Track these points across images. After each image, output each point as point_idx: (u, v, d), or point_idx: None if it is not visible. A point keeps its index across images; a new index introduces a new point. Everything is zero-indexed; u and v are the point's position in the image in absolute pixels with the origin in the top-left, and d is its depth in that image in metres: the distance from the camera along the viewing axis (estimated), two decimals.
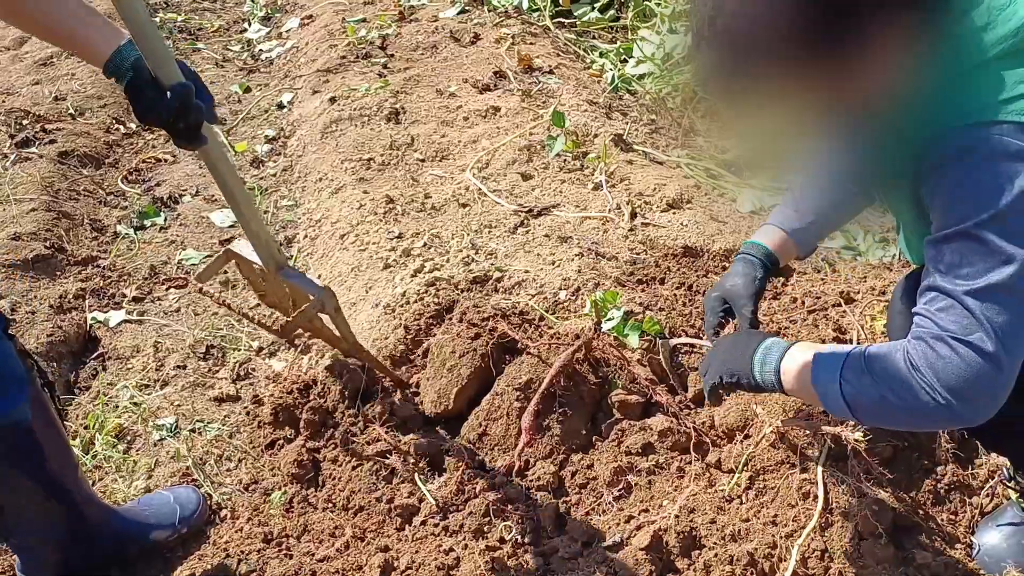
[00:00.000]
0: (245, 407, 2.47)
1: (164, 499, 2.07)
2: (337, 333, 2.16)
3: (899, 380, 1.30)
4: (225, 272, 2.97)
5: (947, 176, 1.24)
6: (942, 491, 1.86)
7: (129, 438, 2.37)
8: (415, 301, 2.51)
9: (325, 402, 2.22)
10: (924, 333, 1.29)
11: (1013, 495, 1.80)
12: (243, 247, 2.12)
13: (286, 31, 5.19)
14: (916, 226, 1.43)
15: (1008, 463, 1.84)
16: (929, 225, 1.32)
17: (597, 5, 4.58)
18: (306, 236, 3.19)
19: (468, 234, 2.84)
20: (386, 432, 2.14)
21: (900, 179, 1.37)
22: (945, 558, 1.75)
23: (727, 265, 2.65)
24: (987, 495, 1.88)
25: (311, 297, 2.02)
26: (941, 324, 1.26)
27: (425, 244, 2.81)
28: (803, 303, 2.49)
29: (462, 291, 2.55)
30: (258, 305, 2.54)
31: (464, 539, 1.90)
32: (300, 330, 2.27)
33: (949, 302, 1.25)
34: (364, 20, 4.78)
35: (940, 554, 1.76)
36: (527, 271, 2.62)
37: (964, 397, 1.25)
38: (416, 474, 2.03)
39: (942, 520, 1.82)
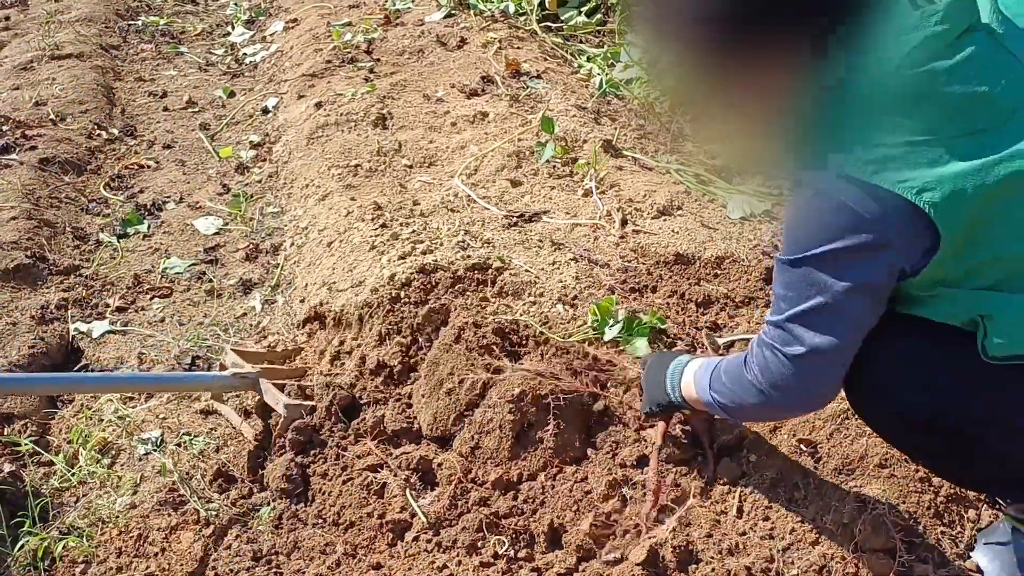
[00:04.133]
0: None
1: None
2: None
3: (740, 381, 1.55)
4: None
5: (796, 202, 1.38)
6: (940, 504, 1.85)
7: (113, 452, 2.32)
8: (403, 286, 2.43)
9: (312, 419, 2.19)
10: (759, 336, 1.50)
11: (1008, 515, 1.78)
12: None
13: (270, 35, 5.15)
14: None
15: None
16: None
17: (584, 9, 4.56)
18: (292, 244, 3.15)
19: (461, 227, 2.79)
20: (377, 446, 2.10)
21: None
22: (944, 571, 1.73)
23: (719, 273, 2.64)
24: (983, 509, 1.86)
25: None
26: (768, 332, 1.46)
27: (414, 231, 2.75)
28: None
29: (458, 279, 2.48)
30: None
31: (457, 555, 1.87)
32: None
33: (776, 319, 1.43)
34: (349, 24, 4.74)
35: (940, 567, 1.74)
36: (528, 269, 2.56)
37: (781, 393, 1.48)
38: (408, 489, 2.00)
39: (940, 533, 1.80)
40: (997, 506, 1.82)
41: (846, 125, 1.27)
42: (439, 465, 2.06)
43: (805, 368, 1.43)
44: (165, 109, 4.34)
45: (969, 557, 1.80)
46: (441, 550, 1.89)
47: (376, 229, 2.79)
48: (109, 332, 2.75)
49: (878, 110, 1.24)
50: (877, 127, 1.24)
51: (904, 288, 1.38)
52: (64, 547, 2.03)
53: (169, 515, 2.12)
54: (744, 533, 1.79)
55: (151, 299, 2.92)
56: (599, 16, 4.54)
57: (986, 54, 1.25)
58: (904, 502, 1.83)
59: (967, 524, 1.85)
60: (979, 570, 1.77)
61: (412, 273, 2.46)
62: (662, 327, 2.33)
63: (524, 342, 2.29)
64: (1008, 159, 1.22)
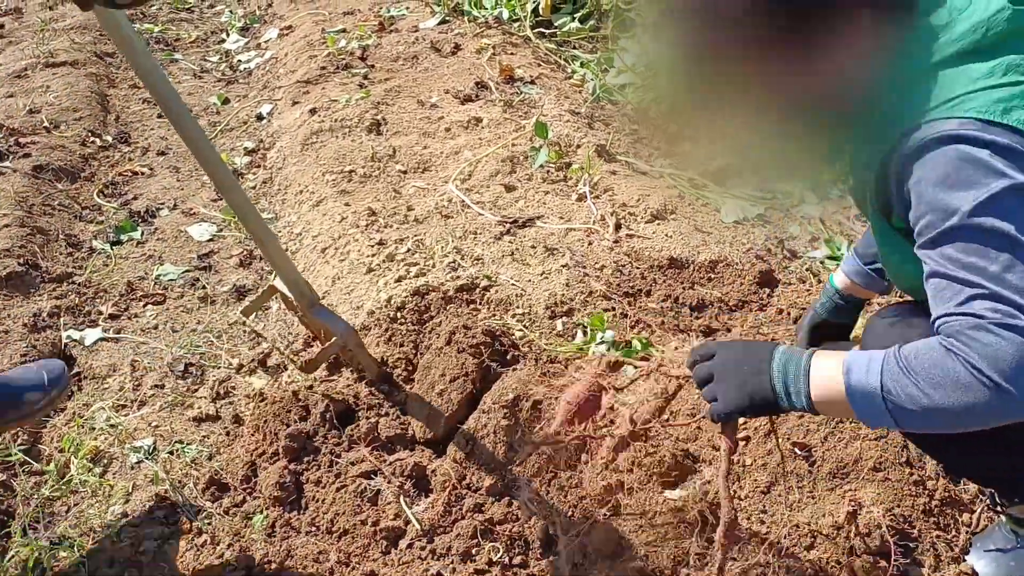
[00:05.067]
0: (225, 427, 2.41)
1: (28, 368, 2.22)
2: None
3: (947, 377, 1.22)
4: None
5: (915, 169, 1.24)
6: (934, 507, 1.84)
7: (105, 461, 2.30)
8: (399, 309, 2.47)
9: (306, 425, 2.18)
10: (961, 326, 1.22)
11: (1004, 518, 1.78)
12: (282, 283, 2.27)
13: (265, 42, 5.14)
14: (882, 230, 1.46)
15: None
16: (895, 227, 1.37)
17: (577, 15, 4.57)
18: (287, 250, 3.14)
19: (453, 240, 2.80)
20: (371, 452, 2.09)
21: (867, 177, 1.38)
22: (939, 575, 1.73)
23: (712, 277, 2.64)
24: (978, 512, 1.86)
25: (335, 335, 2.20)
26: (975, 314, 1.20)
27: (409, 250, 2.77)
28: (788, 314, 2.47)
29: (449, 299, 2.51)
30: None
31: (452, 562, 1.86)
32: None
33: (974, 292, 1.20)
34: (344, 31, 4.74)
35: (934, 570, 1.74)
36: (515, 282, 2.58)
37: (1015, 379, 1.18)
38: (402, 496, 1.99)
39: (935, 537, 1.80)
40: (997, 508, 1.81)
41: (945, 77, 1.22)
42: (433, 471, 2.05)
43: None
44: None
45: (964, 560, 1.79)
46: (435, 557, 1.88)
47: (372, 247, 2.80)
48: (102, 339, 2.73)
49: (985, 54, 1.22)
50: (984, 71, 1.21)
51: None
52: (55, 557, 2.02)
53: (162, 524, 2.11)
54: (735, 540, 1.78)
55: (144, 306, 2.90)
56: (592, 22, 4.54)
57: None
58: (899, 505, 1.83)
59: (961, 528, 1.85)
60: (974, 574, 1.76)
61: (407, 296, 2.51)
62: (645, 354, 2.29)
63: (516, 348, 2.28)
64: None
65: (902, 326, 1.60)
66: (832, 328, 2.10)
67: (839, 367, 1.33)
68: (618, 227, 2.90)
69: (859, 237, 2.84)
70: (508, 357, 2.25)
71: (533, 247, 2.79)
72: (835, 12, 1.17)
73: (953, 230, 1.21)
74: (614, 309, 2.47)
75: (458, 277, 2.59)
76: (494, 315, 2.45)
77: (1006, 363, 1.17)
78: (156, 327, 2.80)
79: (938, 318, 1.26)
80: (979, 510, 1.86)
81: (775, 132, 1.31)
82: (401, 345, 2.37)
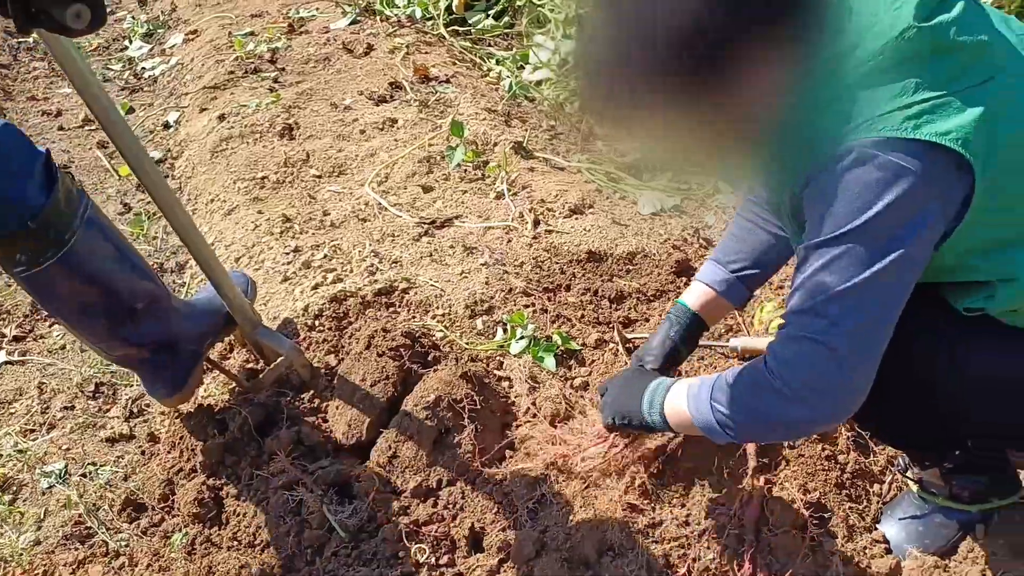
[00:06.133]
0: (140, 446, 2.34)
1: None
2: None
3: (758, 385, 1.40)
4: None
5: (818, 187, 1.29)
6: (847, 480, 1.89)
7: (15, 488, 2.21)
8: (316, 316, 2.43)
9: (224, 439, 2.13)
10: (783, 334, 1.37)
11: (913, 486, 1.84)
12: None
13: (170, 47, 5.00)
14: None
15: (904, 455, 1.90)
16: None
17: (491, 12, 4.56)
18: None
19: (370, 243, 2.77)
20: (292, 462, 2.05)
21: (781, 198, 1.42)
22: (853, 544, 1.78)
23: (631, 269, 2.66)
24: (888, 482, 1.92)
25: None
26: (800, 325, 1.33)
27: (325, 255, 2.73)
28: None
29: (368, 304, 2.47)
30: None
31: (378, 567, 1.84)
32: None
33: (809, 305, 1.32)
34: (252, 33, 4.65)
35: (848, 540, 1.79)
36: (435, 283, 2.56)
37: (815, 394, 1.34)
38: (325, 504, 1.96)
39: (848, 508, 1.85)
40: (907, 475, 1.87)
41: (855, 99, 1.25)
42: (357, 477, 2.02)
43: (850, 354, 1.31)
44: (60, 128, 4.18)
45: (876, 529, 1.85)
46: (361, 563, 1.86)
47: (288, 255, 2.75)
48: (7, 363, 2.62)
49: (893, 73, 1.24)
50: (896, 91, 1.23)
51: (935, 260, 1.36)
52: None
53: (76, 549, 2.03)
54: (660, 522, 1.80)
55: (50, 326, 2.80)
56: (507, 19, 4.54)
57: (972, 7, 1.29)
58: (812, 479, 1.87)
59: (873, 498, 1.91)
60: (886, 540, 1.82)
61: (324, 303, 2.47)
62: (570, 347, 2.32)
63: (437, 348, 2.27)
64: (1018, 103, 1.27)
65: None
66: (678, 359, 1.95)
67: (687, 384, 1.57)
68: (536, 223, 2.90)
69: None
70: (429, 358, 2.23)
71: (452, 247, 2.78)
72: (737, 53, 1.18)
73: (821, 244, 1.29)
74: (534, 305, 2.47)
75: (376, 281, 2.56)
76: (414, 317, 2.43)
77: (805, 375, 1.34)
78: (63, 347, 2.70)
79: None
80: (888, 480, 1.92)
81: (687, 144, 1.33)
82: (320, 354, 2.33)
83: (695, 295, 1.93)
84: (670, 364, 1.88)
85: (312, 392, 2.27)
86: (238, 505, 2.03)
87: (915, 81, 1.23)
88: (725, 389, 1.46)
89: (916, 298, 1.34)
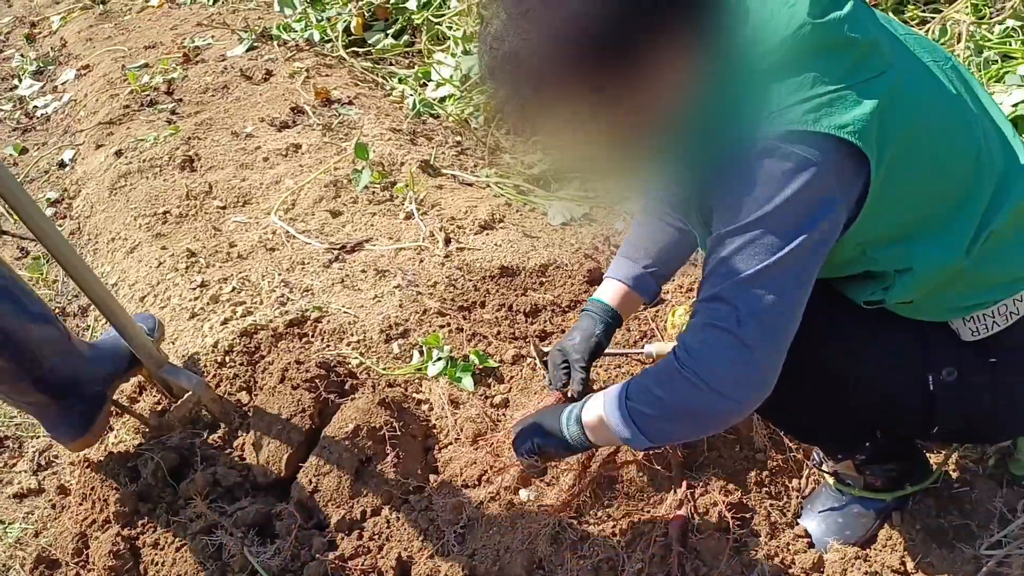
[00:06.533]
0: (50, 500, 2.25)
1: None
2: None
3: (668, 375, 1.40)
4: None
5: (724, 180, 1.32)
6: (766, 478, 1.93)
7: None
8: (227, 352, 2.38)
9: (137, 486, 2.06)
10: (691, 323, 1.37)
11: (829, 479, 1.89)
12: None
13: (62, 84, 4.85)
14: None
15: (818, 450, 1.95)
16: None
17: (390, 32, 4.55)
18: None
19: (279, 273, 2.72)
20: (210, 505, 2.00)
21: (689, 192, 1.44)
22: (776, 542, 1.81)
23: (544, 281, 2.67)
24: (805, 476, 1.96)
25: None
26: (707, 313, 1.34)
27: (234, 288, 2.67)
28: None
29: (280, 336, 2.43)
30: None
31: None
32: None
33: (715, 292, 1.33)
34: (147, 65, 4.54)
35: (771, 538, 1.82)
36: (348, 309, 2.53)
37: (724, 381, 1.34)
38: (246, 546, 1.91)
39: (768, 505, 1.89)
40: (823, 468, 1.92)
41: (757, 93, 1.28)
42: (278, 515, 1.98)
43: (757, 340, 1.31)
44: None
45: (797, 524, 1.89)
46: None
47: (194, 290, 2.69)
48: None
49: (792, 68, 1.27)
50: (795, 85, 1.26)
51: (836, 253, 1.39)
52: None
53: None
54: (587, 537, 1.81)
55: None
56: (406, 37, 4.54)
57: (862, 8, 1.33)
58: (732, 480, 1.90)
59: (792, 494, 1.95)
60: (808, 535, 1.86)
61: (234, 338, 2.42)
62: (487, 364, 2.31)
63: (353, 376, 2.24)
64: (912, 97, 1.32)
65: None
66: (598, 355, 1.94)
67: (597, 398, 1.55)
68: (448, 241, 2.89)
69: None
70: (346, 387, 2.20)
71: (364, 271, 2.75)
72: (639, 46, 1.20)
73: (728, 234, 1.31)
74: (449, 325, 2.46)
75: (287, 312, 2.51)
76: (328, 346, 2.40)
77: (713, 363, 1.34)
78: None
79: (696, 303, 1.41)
80: (805, 474, 1.97)
81: (594, 144, 1.34)
82: (233, 390, 2.28)
83: (609, 291, 1.93)
84: (593, 360, 1.89)
85: (227, 430, 2.21)
86: (156, 554, 1.97)
87: (813, 75, 1.26)
88: (637, 383, 1.47)
89: (818, 295, 1.37)
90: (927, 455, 1.90)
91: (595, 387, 2.00)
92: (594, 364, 1.94)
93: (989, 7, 2.85)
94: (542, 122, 1.31)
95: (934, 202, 1.40)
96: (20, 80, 5.08)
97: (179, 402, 2.22)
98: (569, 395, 1.86)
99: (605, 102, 1.25)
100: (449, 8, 4.22)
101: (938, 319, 1.52)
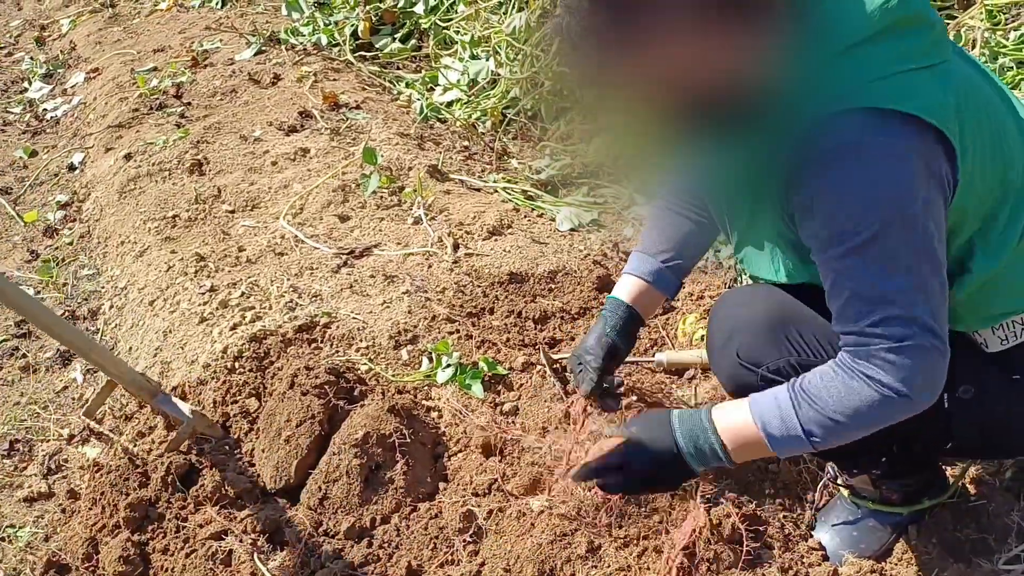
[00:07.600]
0: (60, 504, 2.26)
1: None
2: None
3: (855, 395, 1.33)
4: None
5: (833, 179, 1.27)
6: (779, 490, 1.92)
7: None
8: (236, 358, 2.38)
9: (147, 492, 2.06)
10: (869, 346, 1.31)
11: (844, 492, 1.87)
12: None
13: (71, 87, 4.87)
14: (778, 234, 1.46)
15: (832, 464, 1.93)
16: (794, 230, 1.38)
17: (398, 36, 4.55)
18: (112, 306, 2.97)
19: (288, 278, 2.72)
20: (219, 511, 2.00)
21: (767, 182, 1.38)
22: (790, 554, 1.80)
23: (553, 287, 2.67)
24: (819, 489, 1.95)
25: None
26: (881, 334, 1.29)
27: (243, 293, 2.67)
28: None
29: (289, 342, 2.43)
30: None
31: None
32: None
33: (881, 315, 1.29)
34: (155, 69, 4.55)
35: (785, 551, 1.81)
36: (357, 315, 2.53)
37: (924, 388, 1.32)
38: (255, 553, 1.91)
39: (782, 518, 1.88)
40: (837, 482, 1.90)
41: (840, 69, 1.25)
42: (287, 522, 1.98)
43: (941, 331, 1.29)
44: None
45: (811, 536, 1.87)
46: None
47: (203, 295, 2.69)
48: None
49: (876, 44, 1.25)
50: (883, 60, 1.24)
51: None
52: None
53: None
54: (599, 547, 1.80)
55: None
56: (414, 41, 4.54)
57: None
58: (746, 492, 1.90)
59: (806, 506, 1.94)
60: (822, 547, 1.85)
61: (244, 344, 2.42)
62: (496, 372, 2.30)
63: (362, 383, 2.24)
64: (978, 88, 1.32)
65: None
66: (618, 356, 1.88)
67: (750, 418, 1.42)
68: (456, 247, 2.89)
69: None
70: (355, 393, 2.20)
71: (372, 277, 2.75)
72: (739, 7, 1.17)
73: (859, 247, 1.27)
74: (458, 331, 2.46)
75: (296, 317, 2.51)
76: (337, 352, 2.40)
77: (911, 377, 1.29)
78: None
79: (845, 334, 1.35)
80: (819, 487, 1.95)
81: (664, 122, 1.30)
82: (242, 396, 2.28)
83: (626, 287, 1.85)
84: (610, 362, 1.83)
85: (236, 436, 2.21)
86: (165, 559, 1.97)
87: (900, 49, 1.25)
88: (810, 397, 1.38)
89: None
90: (944, 469, 1.88)
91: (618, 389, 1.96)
92: (615, 365, 1.89)
93: (1004, 13, 2.84)
94: (614, 98, 1.27)
95: (996, 197, 1.38)
96: (30, 83, 5.09)
97: (175, 433, 2.18)
98: (580, 395, 1.85)
99: (685, 69, 1.20)
100: (457, 12, 4.22)
101: (973, 328, 1.50)
